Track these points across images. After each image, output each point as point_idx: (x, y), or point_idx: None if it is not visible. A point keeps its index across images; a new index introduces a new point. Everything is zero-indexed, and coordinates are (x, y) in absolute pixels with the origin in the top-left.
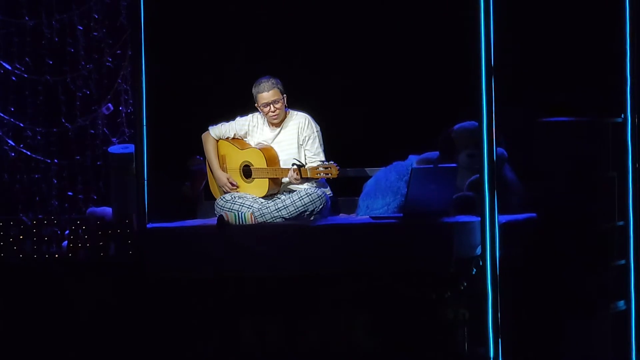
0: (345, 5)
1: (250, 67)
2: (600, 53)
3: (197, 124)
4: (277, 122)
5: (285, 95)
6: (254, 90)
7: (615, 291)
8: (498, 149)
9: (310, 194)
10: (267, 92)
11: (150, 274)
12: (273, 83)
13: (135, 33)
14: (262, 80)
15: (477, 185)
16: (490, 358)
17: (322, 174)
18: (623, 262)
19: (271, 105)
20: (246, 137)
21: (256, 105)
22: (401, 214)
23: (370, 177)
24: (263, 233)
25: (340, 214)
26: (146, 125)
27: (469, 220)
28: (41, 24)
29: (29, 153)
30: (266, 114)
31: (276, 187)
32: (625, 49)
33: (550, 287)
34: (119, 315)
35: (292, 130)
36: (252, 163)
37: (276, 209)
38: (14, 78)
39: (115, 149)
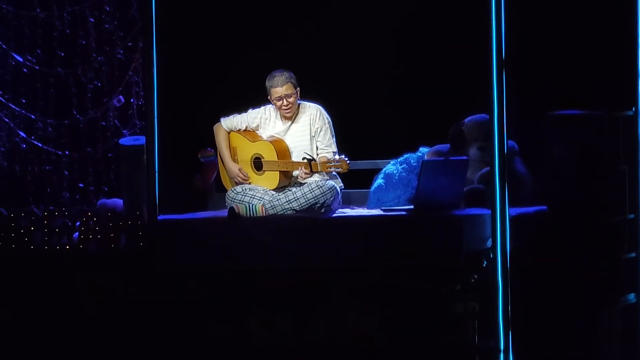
0: None
1: (263, 58)
2: (611, 46)
3: (209, 115)
4: (290, 116)
5: (298, 88)
6: (267, 84)
7: (626, 284)
8: (509, 141)
9: (321, 186)
10: (281, 87)
11: (160, 265)
12: (286, 77)
13: (147, 25)
14: (276, 74)
15: (488, 178)
16: (500, 350)
17: (332, 168)
18: (633, 255)
19: (284, 99)
20: (258, 130)
21: (269, 98)
22: (412, 206)
23: (381, 169)
24: (274, 225)
25: (351, 207)
26: (157, 117)
27: (479, 213)
28: (52, 16)
29: (40, 145)
30: (279, 108)
31: (287, 180)
32: (637, 42)
33: (560, 280)
34: (129, 307)
35: (304, 122)
36: (263, 155)
37: (287, 201)
38: (25, 70)
39: (126, 140)
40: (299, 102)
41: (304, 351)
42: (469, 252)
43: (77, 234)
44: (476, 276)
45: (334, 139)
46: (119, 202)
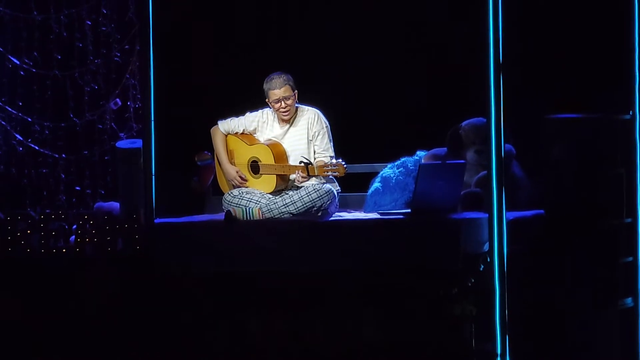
0: (354, 1)
1: (260, 61)
2: (610, 49)
3: (206, 119)
4: (288, 119)
5: (296, 91)
6: (265, 86)
7: (623, 288)
8: (506, 145)
9: (317, 190)
10: (279, 89)
11: (157, 269)
12: (285, 79)
13: (144, 28)
14: (274, 76)
15: (485, 182)
16: (497, 354)
17: (329, 172)
18: (630, 259)
19: (282, 102)
20: (255, 133)
21: (267, 101)
22: (409, 210)
23: (379, 172)
24: (270, 228)
25: (348, 210)
26: (154, 120)
27: (476, 217)
28: (49, 18)
29: (36, 147)
30: (277, 110)
31: (284, 183)
32: (634, 46)
33: (557, 284)
34: (126, 310)
35: (302, 126)
36: (260, 159)
37: (284, 205)
38: (22, 73)
39: (123, 143)
40: (297, 105)
41: (302, 353)
42: (466, 255)
43: (73, 237)
44: (473, 280)
45: (332, 144)
46: (115, 205)
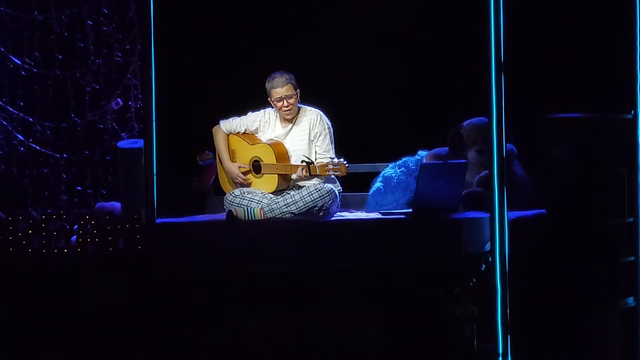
0: (357, 1)
1: (262, 61)
2: (610, 49)
3: (207, 118)
4: (290, 118)
5: (298, 90)
6: (267, 85)
7: (624, 288)
8: (507, 145)
9: (319, 190)
10: (281, 88)
11: (158, 269)
12: (287, 78)
13: (145, 28)
14: (276, 75)
15: (487, 181)
16: (499, 354)
17: (331, 172)
18: (632, 258)
19: (284, 101)
20: (257, 133)
21: (269, 100)
22: (410, 210)
23: (380, 172)
24: (272, 228)
25: (350, 210)
26: (155, 120)
27: (478, 217)
28: (50, 18)
29: (38, 148)
30: (279, 109)
31: (285, 183)
32: (636, 46)
33: (559, 284)
34: (128, 310)
35: (304, 126)
36: (262, 159)
37: (285, 205)
38: (23, 73)
39: (124, 143)
40: (299, 105)
41: (302, 354)
42: (467, 255)
43: (75, 237)
44: (475, 279)
45: (333, 145)
46: (117, 205)
